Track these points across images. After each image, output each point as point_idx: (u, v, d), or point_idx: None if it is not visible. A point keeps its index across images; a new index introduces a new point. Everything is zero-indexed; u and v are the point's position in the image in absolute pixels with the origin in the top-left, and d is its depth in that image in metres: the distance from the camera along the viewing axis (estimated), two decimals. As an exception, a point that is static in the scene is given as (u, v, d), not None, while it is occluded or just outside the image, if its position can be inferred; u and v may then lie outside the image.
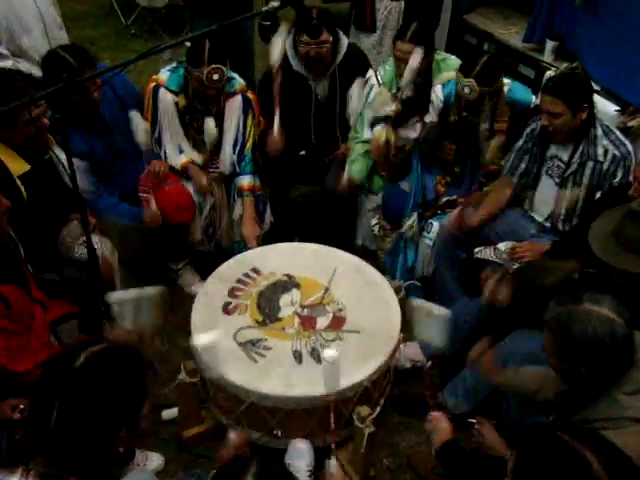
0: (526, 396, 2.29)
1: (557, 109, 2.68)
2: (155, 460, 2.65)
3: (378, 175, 3.55)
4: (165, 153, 3.28)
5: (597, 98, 3.10)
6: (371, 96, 3.39)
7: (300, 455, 2.41)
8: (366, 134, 3.42)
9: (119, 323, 2.45)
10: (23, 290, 2.34)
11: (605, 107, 3.50)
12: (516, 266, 2.79)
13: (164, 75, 3.21)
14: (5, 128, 2.52)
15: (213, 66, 3.00)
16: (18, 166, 2.59)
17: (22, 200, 2.58)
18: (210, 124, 3.22)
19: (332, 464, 2.18)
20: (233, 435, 2.16)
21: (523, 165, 2.99)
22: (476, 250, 3.01)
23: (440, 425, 2.19)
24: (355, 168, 3.42)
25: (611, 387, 1.80)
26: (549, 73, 3.86)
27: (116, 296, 2.47)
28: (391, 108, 3.29)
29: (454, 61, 3.36)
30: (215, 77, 3.02)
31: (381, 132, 3.32)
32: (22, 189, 2.58)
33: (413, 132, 3.41)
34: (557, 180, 2.90)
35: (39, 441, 1.43)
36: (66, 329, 2.54)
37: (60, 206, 2.77)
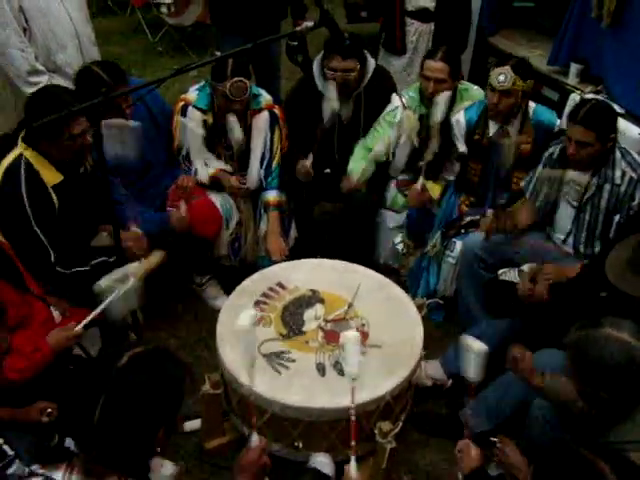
0: (563, 404, 2.22)
1: (588, 139, 2.67)
2: (169, 468, 2.66)
3: (401, 193, 3.58)
4: (195, 169, 3.33)
5: (621, 121, 3.09)
6: (397, 117, 3.42)
7: (321, 468, 2.41)
8: (378, 147, 3.46)
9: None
10: (10, 285, 2.40)
11: (629, 130, 3.49)
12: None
13: (192, 94, 3.28)
14: (50, 140, 2.58)
15: (236, 79, 3.05)
16: (52, 176, 2.67)
17: (53, 208, 2.66)
18: (233, 122, 3.21)
19: (352, 465, 2.16)
20: (255, 437, 2.16)
21: (545, 189, 2.98)
22: (500, 272, 3.00)
23: (470, 451, 2.15)
24: (355, 166, 3.46)
25: (634, 410, 1.80)
26: (573, 96, 3.88)
27: (103, 281, 2.59)
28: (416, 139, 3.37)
29: (476, 92, 3.39)
30: (238, 89, 3.06)
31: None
32: (54, 198, 2.66)
33: (452, 174, 3.46)
34: (575, 204, 2.90)
35: (82, 436, 1.48)
36: (87, 336, 2.60)
37: (90, 217, 2.84)
